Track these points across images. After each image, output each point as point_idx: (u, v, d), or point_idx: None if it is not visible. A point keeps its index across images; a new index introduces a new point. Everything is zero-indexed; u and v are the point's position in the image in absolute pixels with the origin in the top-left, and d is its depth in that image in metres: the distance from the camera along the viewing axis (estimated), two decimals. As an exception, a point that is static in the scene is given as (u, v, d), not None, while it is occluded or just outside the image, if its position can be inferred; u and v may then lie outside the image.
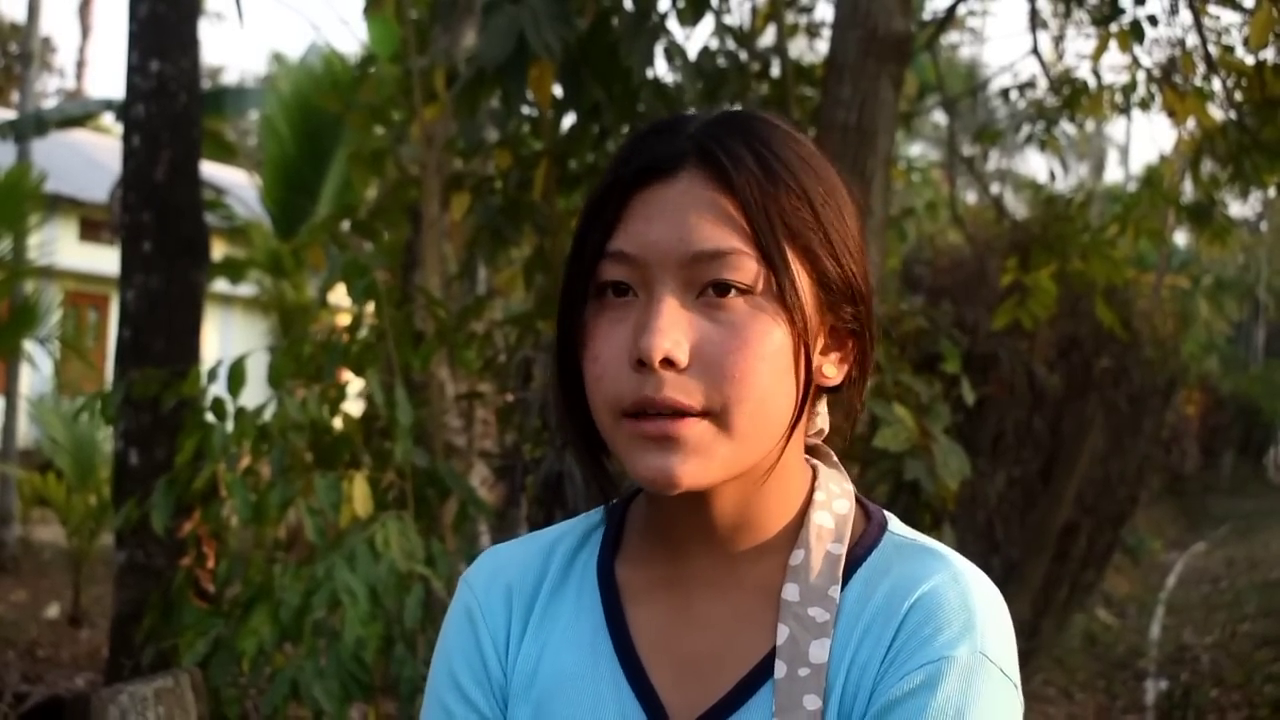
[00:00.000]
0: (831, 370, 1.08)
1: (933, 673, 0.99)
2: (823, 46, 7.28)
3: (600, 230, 1.03)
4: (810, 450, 1.14)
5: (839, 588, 1.06)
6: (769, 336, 1.01)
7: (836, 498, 1.11)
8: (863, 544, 1.09)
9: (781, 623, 1.05)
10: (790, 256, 1.02)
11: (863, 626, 1.04)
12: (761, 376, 1.01)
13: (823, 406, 1.13)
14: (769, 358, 1.01)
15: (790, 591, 1.07)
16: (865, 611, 1.05)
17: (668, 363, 0.99)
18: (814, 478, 1.12)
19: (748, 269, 1.01)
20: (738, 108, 1.20)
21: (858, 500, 1.13)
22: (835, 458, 1.16)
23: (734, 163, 1.02)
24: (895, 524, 1.12)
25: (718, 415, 1.00)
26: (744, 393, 1.00)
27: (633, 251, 1.01)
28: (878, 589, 1.05)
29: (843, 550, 1.08)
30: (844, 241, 1.06)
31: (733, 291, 1.01)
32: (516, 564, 1.18)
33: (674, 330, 0.99)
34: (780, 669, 1.04)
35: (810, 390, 1.05)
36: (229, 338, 17.97)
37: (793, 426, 1.05)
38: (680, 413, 1.00)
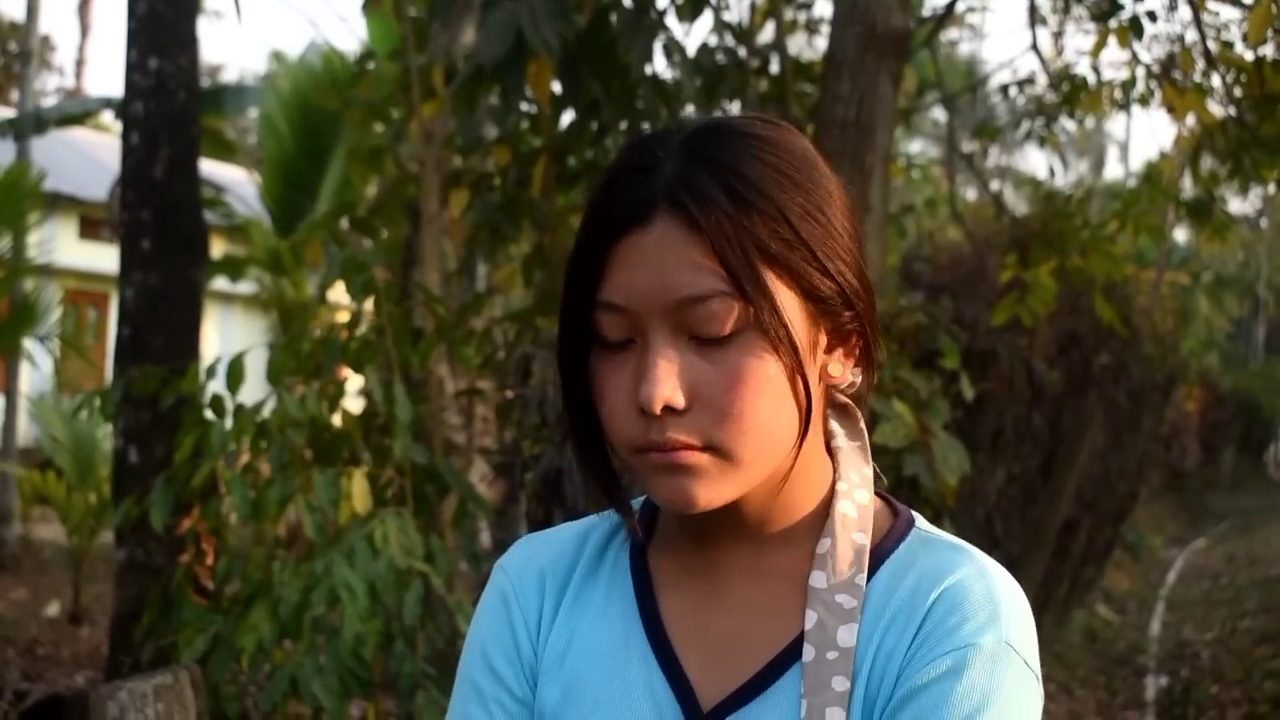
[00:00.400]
0: (838, 369, 1.10)
1: (959, 659, 1.02)
2: (822, 43, 7.28)
3: (588, 280, 1.06)
4: (839, 409, 1.18)
5: (865, 575, 1.09)
6: (763, 369, 1.04)
7: (857, 487, 1.14)
8: (891, 537, 1.12)
9: (810, 608, 1.09)
10: (774, 283, 1.03)
11: (889, 616, 1.07)
12: (760, 409, 1.03)
13: (849, 366, 1.13)
14: (765, 389, 1.04)
15: (817, 579, 1.10)
16: (892, 601, 1.08)
17: (669, 408, 1.02)
18: (835, 467, 1.15)
19: (731, 310, 1.02)
20: (711, 117, 1.14)
21: (884, 496, 1.17)
22: (861, 422, 1.19)
23: (702, 205, 1.02)
24: (922, 521, 1.16)
25: (720, 450, 1.04)
26: (744, 426, 1.03)
27: (622, 302, 1.03)
28: (904, 580, 1.08)
29: (866, 540, 1.11)
30: (831, 250, 1.06)
31: (720, 336, 1.03)
32: (551, 549, 1.22)
33: (670, 378, 1.02)
34: (809, 652, 1.07)
35: (810, 403, 1.07)
36: (229, 335, 17.97)
37: (802, 437, 1.07)
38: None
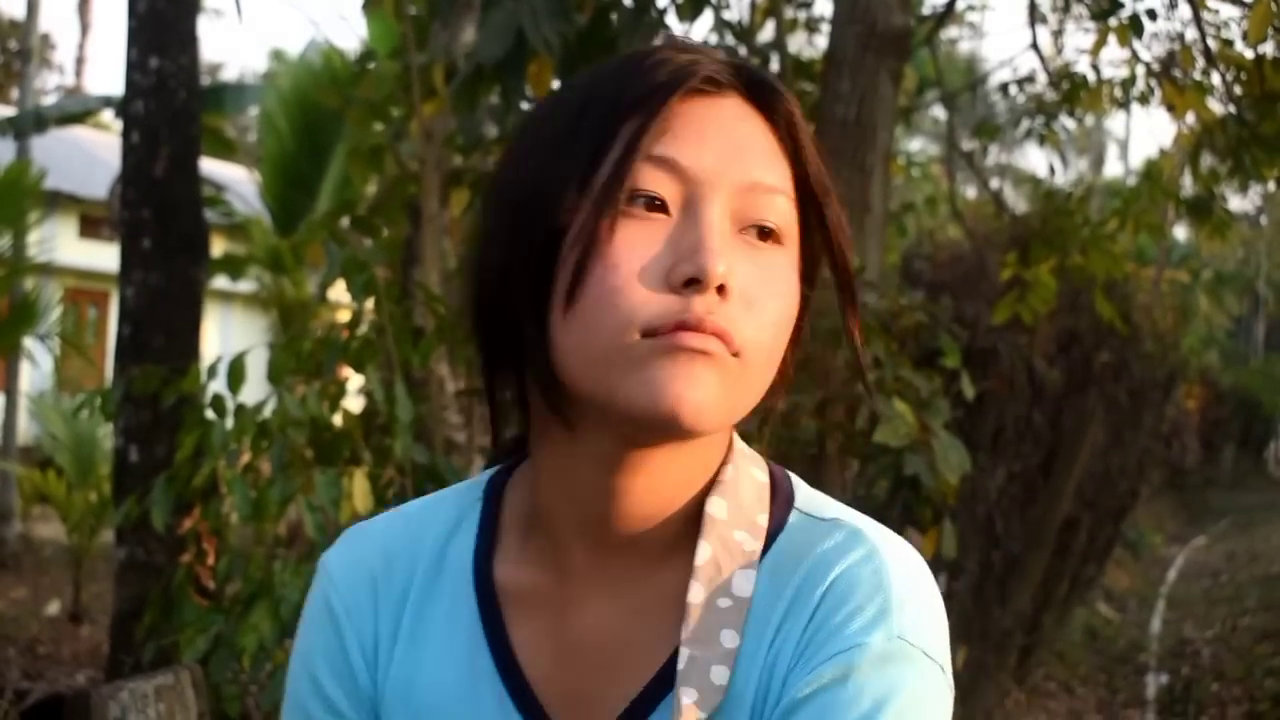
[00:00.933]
0: None
1: (844, 663, 0.88)
2: (822, 42, 7.27)
3: (637, 131, 0.89)
4: None
5: (766, 517, 0.96)
6: (795, 293, 0.94)
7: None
8: (772, 518, 0.97)
9: (704, 539, 0.93)
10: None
11: (776, 623, 0.92)
12: (781, 333, 0.93)
13: None
14: (790, 316, 0.94)
15: (717, 507, 0.95)
16: (778, 606, 0.93)
17: (720, 288, 0.88)
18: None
19: (789, 216, 0.93)
20: None
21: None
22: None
23: (786, 100, 0.94)
24: (801, 495, 1.00)
25: (745, 357, 0.89)
26: (770, 344, 0.91)
27: (686, 164, 0.89)
28: (789, 582, 0.93)
29: (766, 479, 0.99)
30: (842, 215, 0.98)
31: (772, 237, 0.92)
32: (381, 551, 1.04)
33: (728, 255, 0.88)
34: (697, 591, 0.92)
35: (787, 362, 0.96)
36: (229, 334, 17.97)
37: (763, 401, 0.95)
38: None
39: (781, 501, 0.98)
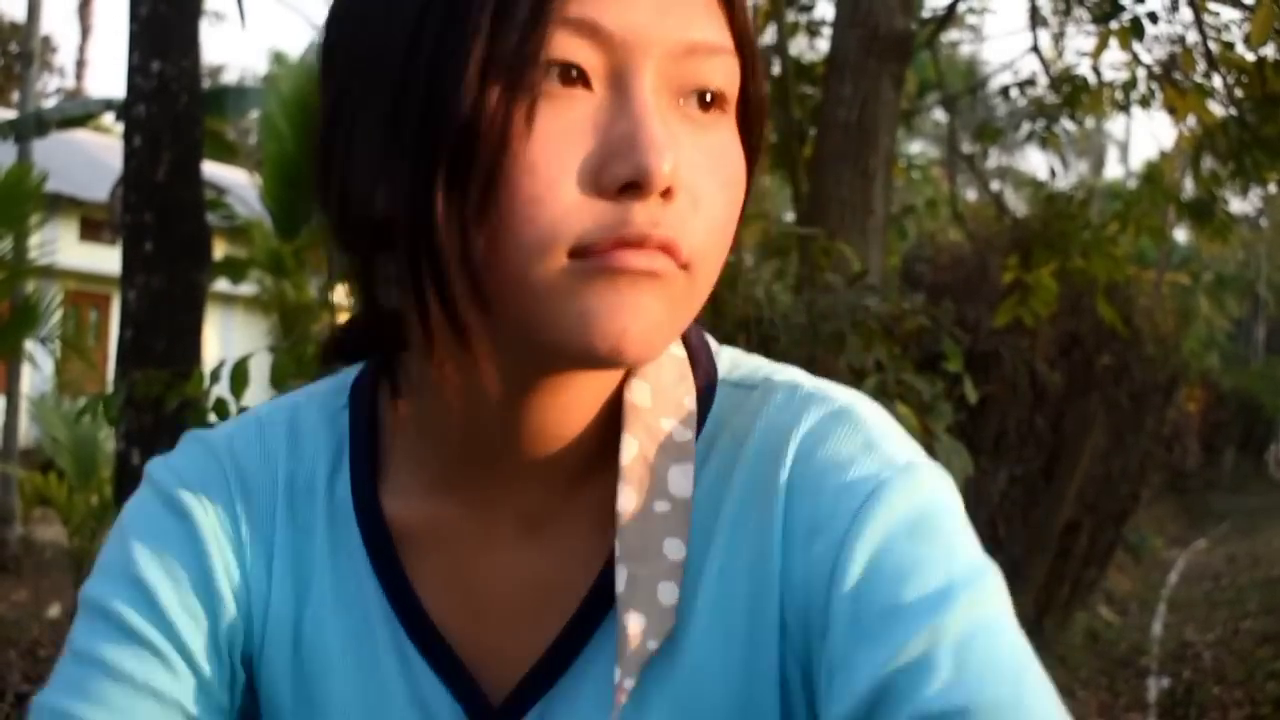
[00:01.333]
0: None
1: (867, 523, 0.74)
2: (824, 45, 7.28)
3: None
4: None
5: (694, 400, 0.81)
6: (742, 173, 0.77)
7: None
8: (698, 403, 0.82)
9: (627, 433, 0.78)
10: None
11: (729, 519, 0.78)
12: (730, 227, 0.76)
13: None
14: (739, 202, 0.77)
15: (640, 393, 0.79)
16: (727, 498, 0.79)
17: (665, 190, 0.70)
18: None
19: (733, 76, 0.75)
20: None
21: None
22: None
23: None
24: (723, 363, 0.85)
25: (690, 271, 0.73)
26: (720, 244, 0.75)
27: (613, 27, 0.70)
28: (733, 468, 0.79)
29: (684, 353, 0.83)
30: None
31: (715, 104, 0.74)
32: (235, 467, 0.87)
33: (672, 145, 0.70)
34: (628, 498, 0.77)
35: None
36: (230, 337, 17.99)
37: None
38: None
39: (702, 375, 0.83)
